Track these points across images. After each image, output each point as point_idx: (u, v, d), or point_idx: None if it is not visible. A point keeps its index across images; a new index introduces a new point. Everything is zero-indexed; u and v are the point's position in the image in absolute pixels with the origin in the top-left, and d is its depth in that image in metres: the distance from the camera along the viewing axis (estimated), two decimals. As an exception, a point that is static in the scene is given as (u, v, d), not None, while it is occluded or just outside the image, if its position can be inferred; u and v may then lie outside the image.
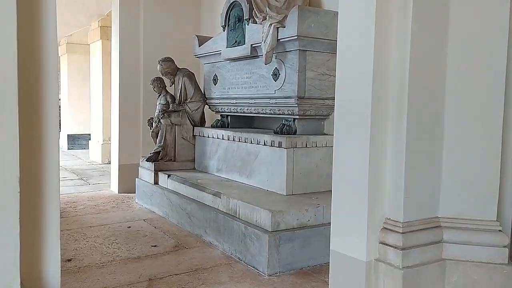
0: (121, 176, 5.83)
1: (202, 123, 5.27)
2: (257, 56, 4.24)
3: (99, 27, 8.61)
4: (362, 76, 2.40)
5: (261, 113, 4.35)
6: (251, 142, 4.15)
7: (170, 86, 5.29)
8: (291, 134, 3.94)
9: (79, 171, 7.62)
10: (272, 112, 4.17)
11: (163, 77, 5.28)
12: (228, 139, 4.52)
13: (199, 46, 5.10)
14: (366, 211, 2.39)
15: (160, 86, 5.30)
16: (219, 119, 5.09)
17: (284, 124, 4.03)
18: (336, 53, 3.86)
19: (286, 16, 3.77)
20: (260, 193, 3.83)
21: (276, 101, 4.03)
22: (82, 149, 10.92)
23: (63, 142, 11.53)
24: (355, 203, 2.45)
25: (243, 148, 4.28)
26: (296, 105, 3.82)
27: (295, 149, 3.76)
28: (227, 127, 5.01)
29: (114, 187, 5.98)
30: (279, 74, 3.96)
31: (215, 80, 4.98)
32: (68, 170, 7.72)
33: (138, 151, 5.82)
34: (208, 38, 5.00)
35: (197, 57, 5.21)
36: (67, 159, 9.28)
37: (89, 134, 10.08)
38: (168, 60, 5.12)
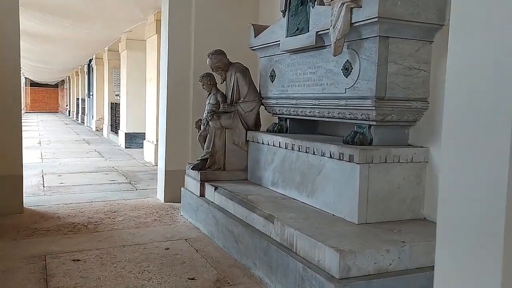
0: (167, 183, 5.25)
1: (256, 126, 4.54)
2: (324, 47, 3.42)
3: (155, 20, 8.16)
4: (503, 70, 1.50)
5: (327, 117, 3.52)
6: (314, 153, 3.34)
7: (222, 83, 4.60)
8: (365, 145, 3.09)
9: (130, 174, 7.19)
10: (341, 116, 3.34)
11: (214, 73, 4.60)
12: (286, 148, 3.74)
13: (254, 37, 4.36)
14: (501, 254, 1.47)
15: (210, 84, 4.63)
16: (277, 122, 4.32)
17: (357, 132, 3.18)
18: (428, 41, 3.01)
19: (362, -6, 2.91)
20: (324, 219, 3.01)
21: (347, 103, 3.19)
22: (139, 148, 10.64)
23: (121, 140, 11.36)
24: (478, 241, 1.55)
25: (304, 159, 3.48)
26: (374, 108, 2.96)
27: (371, 165, 2.90)
28: (286, 132, 4.23)
29: (160, 194, 5.42)
30: (352, 69, 3.12)
31: (272, 77, 4.21)
32: (119, 172, 7.33)
33: (187, 155, 5.21)
34: (266, 27, 4.24)
35: (253, 49, 4.47)
36: (121, 159, 8.97)
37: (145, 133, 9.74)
38: (219, 53, 4.43)
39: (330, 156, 3.15)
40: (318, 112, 3.60)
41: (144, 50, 9.35)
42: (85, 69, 19.91)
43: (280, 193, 3.80)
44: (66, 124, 21.19)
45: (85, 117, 20.62)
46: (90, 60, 17.50)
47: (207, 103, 4.65)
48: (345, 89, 3.19)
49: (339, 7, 2.99)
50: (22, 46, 4.93)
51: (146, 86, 9.18)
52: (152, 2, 7.48)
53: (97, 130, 16.36)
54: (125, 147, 10.91)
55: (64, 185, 6.13)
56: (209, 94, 4.68)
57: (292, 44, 3.69)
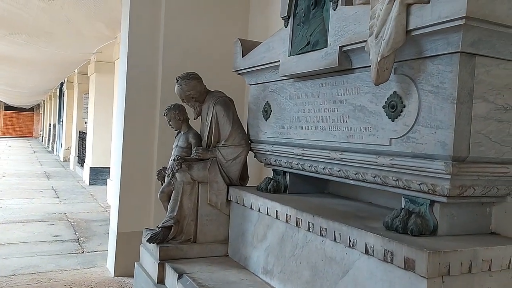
0: (120, 251, 3.89)
1: (242, 179, 3.25)
2: (351, 70, 2.20)
3: (124, 40, 6.92)
4: None
5: (354, 179, 2.26)
6: (335, 240, 2.06)
7: (195, 119, 3.33)
8: (425, 234, 1.84)
9: (82, 224, 5.77)
10: (380, 182, 2.08)
11: (185, 105, 3.33)
12: (286, 221, 2.45)
13: (242, 56, 3.13)
14: None
15: (179, 119, 3.34)
16: (271, 177, 3.05)
17: (411, 212, 1.91)
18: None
19: (427, -18, 1.70)
20: None
21: (393, 162, 1.93)
22: (105, 185, 9.22)
23: (86, 175, 9.93)
24: None
25: (317, 246, 2.20)
26: (447, 175, 1.71)
27: (446, 280, 1.63)
28: (284, 191, 2.96)
29: (110, 264, 4.03)
30: (403, 107, 1.88)
31: (266, 112, 2.97)
32: (70, 221, 5.90)
33: (148, 214, 3.88)
34: (259, 44, 3.02)
35: (239, 73, 3.24)
36: (79, 201, 7.54)
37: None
38: (191, 78, 3.17)
39: (366, 252, 1.87)
40: (339, 171, 2.34)
41: (113, 73, 8.09)
42: (57, 93, 18.51)
43: (277, 291, 2.48)
44: (35, 152, 19.53)
45: (55, 144, 19.06)
46: (62, 84, 16.15)
47: (174, 146, 3.36)
48: (391, 139, 1.95)
49: (388, 3, 1.76)
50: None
51: (113, 113, 7.87)
52: (119, 18, 6.26)
53: (65, 160, 14.85)
54: (89, 184, 9.48)
55: (-11, 243, 4.71)
56: (178, 133, 3.39)
57: (300, 66, 2.45)
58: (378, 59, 1.79)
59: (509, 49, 1.71)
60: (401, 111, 1.89)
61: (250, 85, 3.21)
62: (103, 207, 7.05)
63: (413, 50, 1.81)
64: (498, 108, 1.73)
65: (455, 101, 1.66)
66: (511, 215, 1.92)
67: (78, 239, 5.06)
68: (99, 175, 9.47)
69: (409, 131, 1.86)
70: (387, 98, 1.96)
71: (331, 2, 2.23)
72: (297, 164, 2.71)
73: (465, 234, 1.89)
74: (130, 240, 3.79)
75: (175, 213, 3.09)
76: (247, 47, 3.14)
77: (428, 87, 1.78)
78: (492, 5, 1.56)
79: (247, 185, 3.25)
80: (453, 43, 1.65)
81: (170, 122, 3.35)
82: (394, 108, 1.93)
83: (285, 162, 2.83)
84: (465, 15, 1.53)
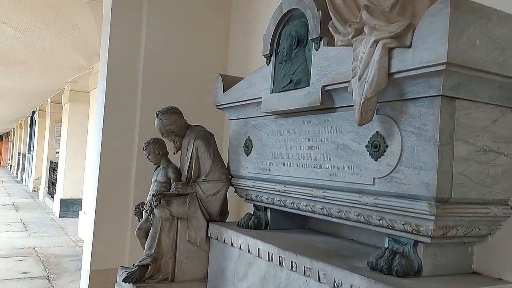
0: (92, 290, 3.74)
1: (222, 215, 3.20)
2: (333, 109, 2.22)
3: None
4: None
5: (337, 217, 2.26)
6: (319, 280, 2.03)
7: (175, 153, 3.28)
8: (410, 275, 1.83)
9: (52, 260, 5.55)
10: (363, 220, 2.08)
11: (165, 139, 3.29)
12: (269, 259, 2.41)
13: (223, 92, 3.14)
14: None
15: (159, 153, 3.28)
16: (252, 213, 3.02)
17: (395, 252, 1.91)
18: (509, 107, 1.85)
19: (408, 27, 1.76)
20: None
21: (377, 201, 1.94)
22: (76, 217, 8.94)
23: (56, 207, 9.62)
24: None
25: (301, 285, 2.16)
26: (431, 216, 1.72)
27: (434, 322, 1.62)
28: (265, 227, 2.92)
29: (82, 304, 3.87)
30: (386, 147, 1.91)
31: (247, 148, 2.96)
32: (39, 256, 5.66)
33: (123, 251, 3.76)
34: (240, 79, 3.04)
35: (220, 108, 3.24)
36: (49, 235, 7.27)
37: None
38: (172, 112, 3.15)
39: (352, 293, 1.84)
40: (321, 209, 2.33)
41: (88, 103, 7.98)
42: (28, 122, 18.09)
43: (259, 333, 2.42)
44: (2, 182, 18.86)
45: (24, 174, 18.48)
46: (34, 112, 15.81)
47: (153, 181, 3.29)
48: (374, 178, 1.96)
49: (370, 47, 1.81)
50: None
51: (87, 144, 7.72)
52: (97, 49, 6.23)
53: (34, 191, 14.38)
54: (59, 216, 9.17)
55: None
56: (157, 167, 3.33)
57: (282, 103, 2.47)
58: (362, 101, 1.82)
59: (487, 93, 1.77)
60: (384, 151, 1.92)
61: (231, 119, 3.22)
62: (74, 241, 6.81)
63: (395, 92, 1.85)
64: (478, 150, 1.78)
65: (438, 143, 1.70)
66: (492, 254, 1.94)
67: (48, 276, 4.85)
68: (70, 207, 9.19)
69: (392, 171, 1.87)
70: (370, 137, 1.99)
71: (313, 43, 2.28)
72: (279, 200, 2.69)
73: (449, 274, 1.90)
74: (104, 279, 3.65)
75: (153, 251, 3.00)
76: (228, 82, 3.15)
77: (410, 128, 1.81)
78: (471, 52, 1.62)
79: (227, 221, 3.21)
80: (434, 87, 1.70)
81: (149, 157, 3.30)
82: (377, 148, 1.95)
83: (267, 198, 2.81)
84: (445, 61, 1.58)
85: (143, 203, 3.25)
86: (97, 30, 5.47)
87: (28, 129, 18.10)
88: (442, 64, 1.60)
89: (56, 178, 10.47)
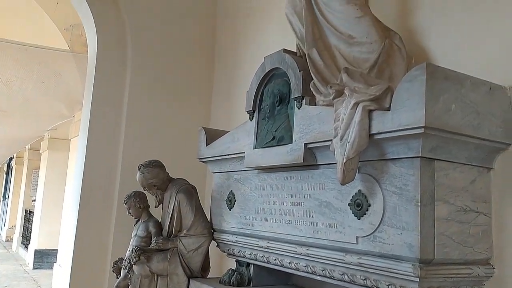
0: None
1: (204, 270, 3.13)
2: (316, 166, 2.25)
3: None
4: None
5: (320, 275, 2.23)
6: None
7: (156, 207, 3.24)
8: (396, 338, 1.79)
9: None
10: (347, 280, 2.06)
11: (146, 193, 3.25)
12: (252, 320, 2.34)
13: (207, 145, 3.15)
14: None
15: (140, 207, 3.23)
16: (235, 269, 2.95)
17: (380, 313, 1.88)
18: (486, 167, 1.90)
19: (386, 91, 1.83)
20: None
21: (362, 261, 1.93)
22: (51, 269, 8.59)
23: (30, 258, 9.25)
24: None
25: None
26: (416, 277, 1.72)
27: None
28: (248, 284, 2.86)
29: None
30: (368, 206, 1.93)
31: (230, 202, 2.94)
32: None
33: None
34: (224, 133, 3.07)
35: (203, 161, 3.24)
36: (21, 289, 6.94)
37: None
38: (154, 166, 3.13)
39: None
40: (305, 266, 2.30)
41: (67, 151, 7.88)
42: (5, 168, 17.69)
43: None
44: (-27, 230, 18.15)
45: (-2, 222, 17.86)
46: (11, 159, 15.50)
47: (133, 235, 3.22)
48: (357, 237, 1.96)
49: (351, 108, 1.86)
50: None
51: (65, 193, 7.56)
52: (80, 98, 6.24)
53: (7, 240, 13.85)
54: (33, 268, 8.81)
55: None
56: (137, 221, 3.27)
57: (265, 159, 2.49)
58: (344, 160, 1.85)
59: (464, 154, 1.82)
60: (367, 210, 1.93)
61: (214, 173, 3.21)
62: (47, 296, 6.51)
63: (376, 152, 1.89)
64: (458, 210, 1.81)
65: (419, 204, 1.72)
66: (476, 315, 1.93)
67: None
68: (44, 258, 8.86)
69: (375, 230, 1.88)
70: (353, 196, 2.00)
71: (295, 101, 2.34)
72: (262, 256, 2.65)
73: (434, 336, 1.87)
74: None
75: (131, 310, 2.89)
76: (211, 135, 3.17)
77: (392, 188, 1.84)
78: (447, 116, 1.69)
79: (208, 277, 3.13)
80: (414, 149, 1.75)
81: (130, 210, 3.24)
82: (359, 207, 1.96)
83: (250, 254, 2.77)
84: (424, 124, 1.63)
85: (122, 259, 3.16)
86: (80, 80, 5.52)
87: (4, 175, 17.67)
88: (420, 127, 1.65)
89: (31, 227, 10.14)
